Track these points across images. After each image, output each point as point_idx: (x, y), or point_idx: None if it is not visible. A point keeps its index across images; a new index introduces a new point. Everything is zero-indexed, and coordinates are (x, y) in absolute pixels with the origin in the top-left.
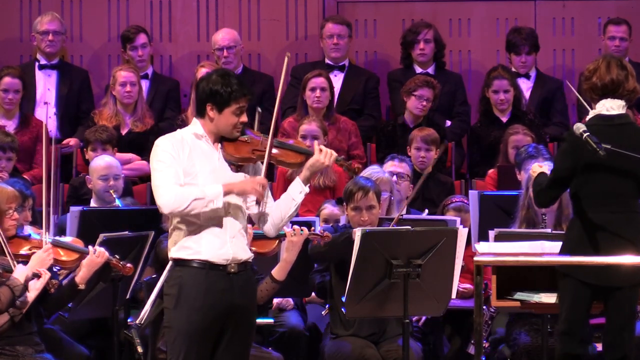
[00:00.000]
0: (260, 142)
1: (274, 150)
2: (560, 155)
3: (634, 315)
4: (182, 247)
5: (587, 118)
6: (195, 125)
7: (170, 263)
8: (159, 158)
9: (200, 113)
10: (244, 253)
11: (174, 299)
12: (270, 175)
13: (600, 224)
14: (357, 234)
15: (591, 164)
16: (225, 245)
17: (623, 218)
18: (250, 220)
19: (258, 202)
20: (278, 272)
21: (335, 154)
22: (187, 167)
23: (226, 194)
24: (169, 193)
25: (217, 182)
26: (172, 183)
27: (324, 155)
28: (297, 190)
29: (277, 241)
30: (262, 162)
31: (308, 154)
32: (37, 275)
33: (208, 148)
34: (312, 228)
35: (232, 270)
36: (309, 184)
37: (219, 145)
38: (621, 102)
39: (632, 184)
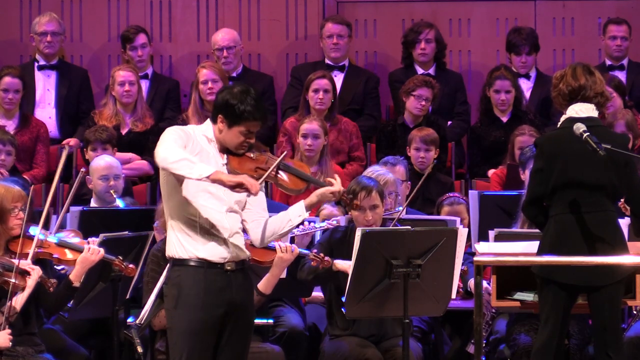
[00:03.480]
0: (265, 161)
1: (279, 173)
2: (532, 174)
3: (617, 315)
4: (180, 246)
5: (559, 123)
6: (207, 127)
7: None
8: (168, 132)
9: (213, 120)
10: (242, 252)
11: (174, 300)
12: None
13: (576, 224)
14: (357, 234)
15: (564, 167)
16: (223, 245)
17: (598, 218)
18: None
19: (249, 194)
20: (264, 285)
21: (342, 189)
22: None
23: (215, 176)
24: (168, 147)
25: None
26: (175, 144)
27: (335, 189)
28: (297, 214)
29: (274, 253)
30: (265, 179)
31: (310, 182)
32: (27, 273)
33: (214, 153)
34: (315, 251)
35: (230, 267)
36: (309, 211)
37: (224, 155)
38: (591, 106)
39: (607, 183)
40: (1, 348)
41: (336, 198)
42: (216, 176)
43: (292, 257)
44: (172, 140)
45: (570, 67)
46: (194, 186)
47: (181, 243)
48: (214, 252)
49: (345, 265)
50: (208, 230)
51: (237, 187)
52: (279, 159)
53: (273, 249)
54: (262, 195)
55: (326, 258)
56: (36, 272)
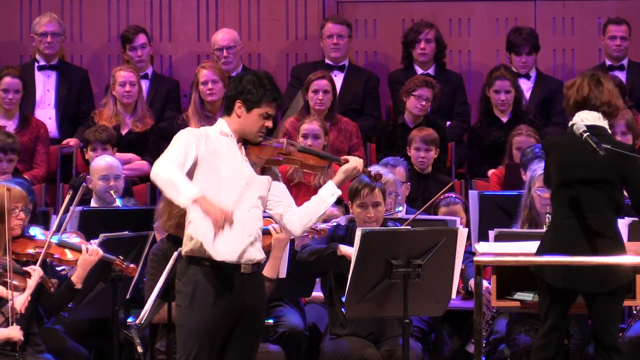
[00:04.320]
0: (284, 146)
1: (300, 155)
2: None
3: (615, 319)
4: (197, 244)
5: (568, 128)
6: (221, 124)
7: (174, 255)
8: (177, 138)
9: (228, 111)
10: (259, 254)
11: (188, 298)
12: None
13: (575, 230)
14: (357, 234)
15: (565, 171)
16: (241, 244)
17: (597, 223)
18: None
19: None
20: (269, 270)
21: (361, 160)
22: (210, 158)
23: (196, 201)
24: (164, 164)
25: (240, 178)
26: (174, 159)
27: (357, 162)
28: (330, 193)
29: (271, 237)
30: (288, 163)
31: (332, 160)
32: (27, 274)
33: (233, 146)
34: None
35: (245, 270)
36: (340, 187)
37: (243, 147)
38: (597, 114)
39: (606, 190)
40: (15, 340)
41: (360, 170)
42: (200, 200)
43: (288, 236)
44: (171, 154)
45: (580, 77)
46: (217, 184)
47: (199, 241)
48: (230, 252)
49: (350, 251)
50: (227, 229)
51: (206, 215)
52: (297, 143)
53: (268, 233)
54: (283, 185)
55: (321, 227)
56: (37, 273)
